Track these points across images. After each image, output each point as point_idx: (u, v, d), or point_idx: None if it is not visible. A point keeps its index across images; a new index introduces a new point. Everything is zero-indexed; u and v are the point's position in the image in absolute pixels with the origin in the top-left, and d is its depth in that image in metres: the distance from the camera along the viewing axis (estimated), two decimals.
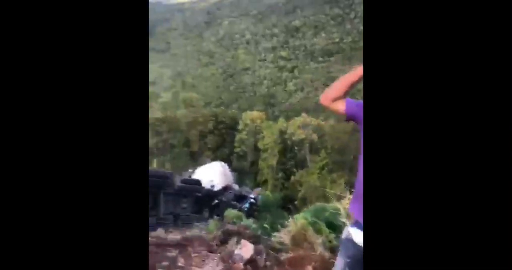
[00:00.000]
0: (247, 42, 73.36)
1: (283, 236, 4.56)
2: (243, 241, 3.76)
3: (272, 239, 4.71)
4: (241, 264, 3.24)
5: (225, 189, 17.35)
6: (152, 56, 76.81)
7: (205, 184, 15.63)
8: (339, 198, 4.17)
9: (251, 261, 3.39)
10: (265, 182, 27.97)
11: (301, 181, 26.22)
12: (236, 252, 3.41)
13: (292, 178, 27.46)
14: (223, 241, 6.23)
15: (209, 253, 3.67)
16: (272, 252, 4.06)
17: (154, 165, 27.17)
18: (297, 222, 4.24)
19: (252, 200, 16.45)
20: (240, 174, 25.99)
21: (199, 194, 13.83)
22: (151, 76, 64.65)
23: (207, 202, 14.90)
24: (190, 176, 17.71)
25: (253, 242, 5.48)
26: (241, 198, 17.13)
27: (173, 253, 3.73)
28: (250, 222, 9.85)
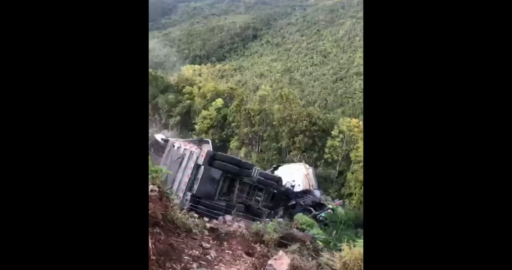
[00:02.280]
0: None
1: (335, 260, 4.01)
2: (280, 253, 3.41)
3: (321, 259, 4.20)
4: None
5: (305, 192, 16.91)
6: (266, 48, 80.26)
7: (286, 182, 15.51)
8: None
9: None
10: (349, 195, 26.20)
11: None
12: (270, 262, 3.09)
13: None
14: (281, 245, 5.93)
15: (244, 255, 3.46)
16: None
17: (241, 154, 28.46)
18: (353, 248, 3.65)
19: (330, 211, 15.60)
20: (324, 181, 25.01)
21: (276, 191, 13.77)
22: (261, 68, 67.73)
23: (283, 200, 14.77)
24: (273, 172, 17.87)
25: (312, 256, 5.03)
26: (319, 205, 16.44)
27: (209, 244, 3.65)
28: (320, 233, 9.26)
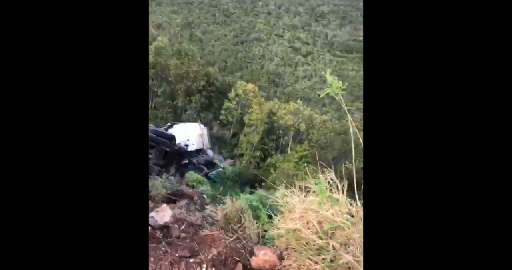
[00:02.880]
0: (269, 13, 70.76)
1: (217, 212, 4.32)
2: (163, 206, 3.51)
3: (205, 211, 4.47)
4: (148, 228, 2.96)
5: (198, 151, 17.16)
6: None
7: (180, 141, 15.36)
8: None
9: (164, 228, 3.13)
10: (241, 156, 27.89)
11: (276, 165, 26.28)
12: (151, 214, 3.15)
13: (268, 160, 27.48)
14: (171, 201, 5.98)
15: None
16: (199, 225, 3.83)
17: None
18: (235, 201, 3.99)
19: (221, 169, 16.34)
20: (218, 142, 25.79)
21: (168, 149, 13.56)
22: (160, 19, 62.03)
23: (176, 159, 14.69)
24: (167, 130, 17.39)
25: (198, 210, 5.22)
26: (211, 164, 17.01)
27: None
28: (209, 189, 9.68)
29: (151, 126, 13.72)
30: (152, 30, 56.84)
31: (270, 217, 3.68)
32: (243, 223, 3.64)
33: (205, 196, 7.08)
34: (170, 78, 27.79)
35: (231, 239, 3.09)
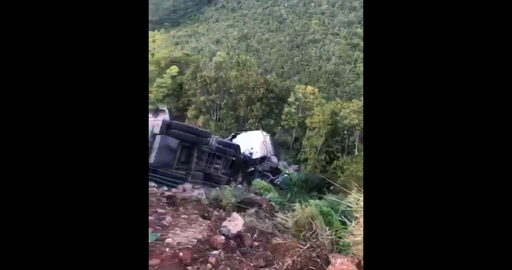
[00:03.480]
0: (322, 13, 69.29)
1: (288, 219, 4.27)
2: (234, 214, 3.56)
3: (276, 219, 4.45)
4: (223, 237, 3.05)
5: (263, 159, 17.42)
6: (221, 13, 76.85)
7: (244, 150, 15.78)
8: None
9: (237, 237, 3.20)
10: (305, 160, 27.44)
11: (343, 167, 25.22)
12: (224, 224, 3.23)
13: (335, 162, 26.50)
14: (240, 209, 6.13)
15: (200, 219, 3.55)
16: (271, 233, 3.82)
17: (199, 122, 28.07)
18: (305, 208, 3.90)
19: (286, 175, 16.28)
20: (281, 148, 25.82)
21: (234, 158, 14.00)
22: (217, 35, 65.11)
23: (242, 167, 15.11)
24: (231, 140, 18.01)
25: (268, 218, 5.27)
26: (276, 171, 17.07)
27: (164, 210, 3.69)
28: (276, 196, 9.70)
29: (217, 138, 14.38)
30: (211, 46, 60.00)
31: (343, 223, 3.50)
32: (315, 230, 3.54)
33: (273, 204, 7.07)
34: (231, 90, 28.84)
35: (304, 247, 3.02)
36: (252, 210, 5.97)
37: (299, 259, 2.75)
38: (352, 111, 27.50)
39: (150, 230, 2.90)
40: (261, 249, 3.15)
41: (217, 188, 7.91)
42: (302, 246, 2.99)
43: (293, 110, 28.79)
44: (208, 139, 12.49)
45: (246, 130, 24.26)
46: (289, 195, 7.94)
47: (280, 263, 2.76)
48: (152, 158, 10.51)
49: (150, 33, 63.86)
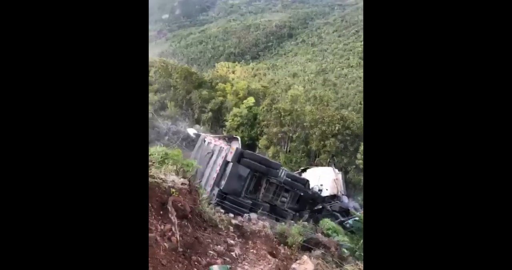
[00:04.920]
0: None
1: None
2: (304, 258, 3.30)
3: (347, 268, 4.04)
4: None
5: (333, 197, 16.53)
6: (301, 48, 79.29)
7: (313, 186, 15.24)
8: None
9: None
10: None
11: None
12: (293, 266, 3.00)
13: None
14: (305, 249, 5.80)
15: (268, 256, 3.38)
16: None
17: (269, 153, 28.30)
18: None
19: (357, 218, 15.07)
20: (354, 188, 24.31)
21: (302, 193, 13.57)
22: (295, 68, 66.95)
23: (310, 204, 14.53)
24: (300, 174, 17.63)
25: (336, 263, 4.88)
26: (347, 212, 16.01)
27: (233, 241, 3.62)
28: (346, 240, 8.96)
29: (286, 170, 14.23)
30: (287, 79, 61.75)
31: None
32: None
33: (344, 250, 6.49)
34: (305, 124, 28.78)
35: None
36: (318, 252, 5.56)
37: None
38: None
39: (219, 261, 2.85)
40: None
41: (283, 223, 7.63)
42: None
43: None
44: (278, 170, 12.42)
45: (317, 165, 23.62)
46: (361, 241, 7.22)
47: None
48: (222, 184, 10.80)
49: (231, 64, 68.71)
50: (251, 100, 33.92)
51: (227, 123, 33.16)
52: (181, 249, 2.56)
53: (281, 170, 12.68)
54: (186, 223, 3.35)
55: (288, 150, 29.60)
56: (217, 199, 10.05)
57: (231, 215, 7.39)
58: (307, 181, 14.37)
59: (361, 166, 27.68)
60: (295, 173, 16.72)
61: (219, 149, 11.22)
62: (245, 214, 8.69)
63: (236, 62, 72.77)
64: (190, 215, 3.50)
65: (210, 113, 35.00)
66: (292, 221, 10.06)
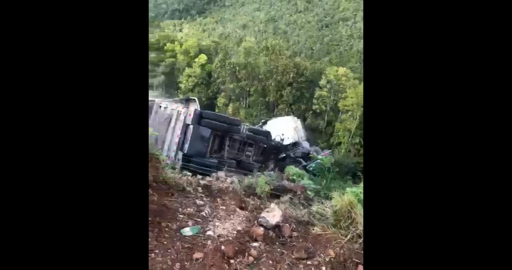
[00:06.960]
0: None
1: (326, 209, 4.18)
2: (272, 205, 3.52)
3: (313, 209, 4.38)
4: (262, 229, 3.03)
5: (294, 144, 17.23)
6: None
7: (275, 136, 15.71)
8: None
9: (275, 227, 3.17)
10: (338, 145, 26.86)
11: None
12: (262, 215, 3.20)
13: None
14: (274, 197, 6.12)
15: (238, 210, 3.56)
16: (308, 222, 3.76)
17: (229, 110, 28.18)
18: (344, 196, 3.79)
19: (319, 161, 16.02)
20: (313, 132, 25.43)
21: (265, 145, 14.00)
22: (244, 19, 64.28)
23: (273, 154, 15.10)
24: (261, 127, 17.98)
25: (303, 205, 5.23)
26: (309, 156, 16.86)
27: (202, 201, 3.74)
28: (310, 183, 9.58)
29: (247, 125, 14.41)
30: (238, 32, 59.45)
31: None
32: (354, 219, 3.41)
33: (309, 192, 6.97)
34: (260, 76, 28.54)
35: (346, 239, 2.93)
36: (286, 197, 5.92)
37: (341, 251, 2.68)
38: None
39: (191, 222, 2.95)
40: (300, 240, 3.10)
41: (250, 176, 7.93)
42: (343, 237, 2.91)
43: (325, 94, 28.04)
44: (239, 127, 12.55)
45: (276, 116, 24.08)
46: (324, 181, 7.76)
47: (322, 255, 2.71)
48: (186, 148, 10.76)
49: (177, 22, 64.18)
50: (203, 58, 32.54)
51: (182, 85, 31.94)
52: (150, 219, 2.60)
53: (242, 126, 12.82)
54: (151, 192, 3.35)
55: (247, 105, 29.61)
56: (183, 163, 10.06)
57: (199, 176, 7.50)
58: (269, 132, 14.74)
59: (318, 111, 28.71)
60: (257, 127, 17.01)
61: (177, 113, 10.94)
62: (213, 174, 8.87)
63: (182, 19, 68.17)
64: (154, 183, 3.49)
65: (162, 77, 33.30)
66: (259, 173, 10.48)
